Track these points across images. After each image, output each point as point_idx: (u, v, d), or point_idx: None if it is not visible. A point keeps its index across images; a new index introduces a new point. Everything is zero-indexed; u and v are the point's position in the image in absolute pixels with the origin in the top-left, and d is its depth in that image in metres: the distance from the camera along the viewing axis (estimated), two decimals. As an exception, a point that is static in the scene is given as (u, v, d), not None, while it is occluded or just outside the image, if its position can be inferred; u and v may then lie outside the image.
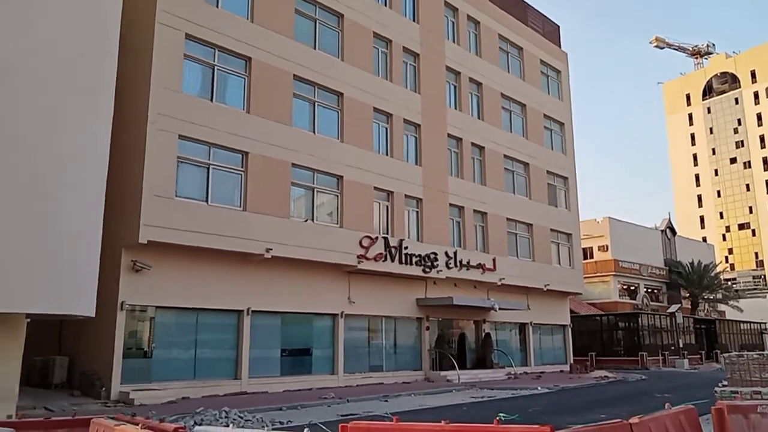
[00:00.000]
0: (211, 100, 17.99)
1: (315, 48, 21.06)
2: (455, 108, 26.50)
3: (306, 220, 19.86)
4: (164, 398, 15.49)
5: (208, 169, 17.63)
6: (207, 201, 17.39)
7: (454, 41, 27.16)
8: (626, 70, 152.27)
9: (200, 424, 10.87)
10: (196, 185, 17.33)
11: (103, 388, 15.51)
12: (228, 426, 10.73)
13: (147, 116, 16.26)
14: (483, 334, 26.46)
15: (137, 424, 5.87)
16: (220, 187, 17.81)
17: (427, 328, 23.93)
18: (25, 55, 12.43)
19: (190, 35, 17.49)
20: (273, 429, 10.46)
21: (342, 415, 13.39)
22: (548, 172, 30.94)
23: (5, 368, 12.37)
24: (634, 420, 5.60)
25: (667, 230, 50.66)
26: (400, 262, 22.13)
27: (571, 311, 33.49)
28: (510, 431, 4.57)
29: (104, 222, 13.32)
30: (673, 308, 40.93)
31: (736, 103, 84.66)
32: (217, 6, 18.50)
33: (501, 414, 8.25)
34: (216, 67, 18.26)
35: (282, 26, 19.89)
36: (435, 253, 23.45)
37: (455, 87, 26.84)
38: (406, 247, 22.40)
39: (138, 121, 16.41)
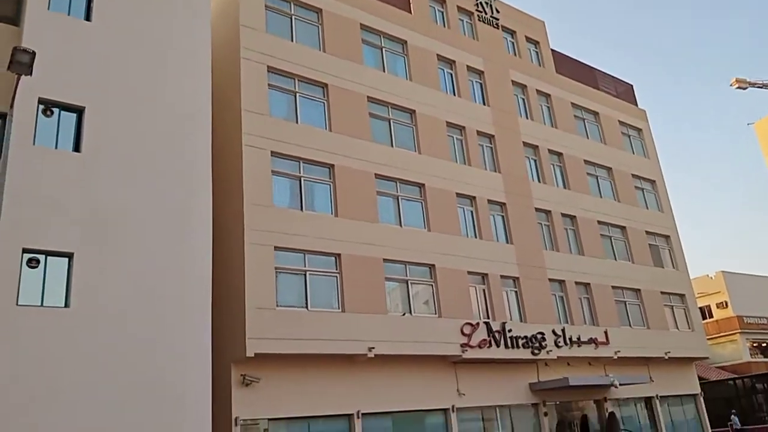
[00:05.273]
0: (301, 209, 18.70)
1: (392, 146, 21.71)
2: (539, 181, 26.20)
3: (404, 314, 19.73)
4: None
5: (305, 275, 18.07)
6: (307, 307, 17.70)
7: (527, 117, 27.28)
8: (711, 117, 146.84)
9: None
10: (295, 293, 17.74)
11: None
12: None
13: (243, 234, 17.06)
14: (607, 414, 24.65)
15: None
16: (318, 292, 18.14)
17: (545, 414, 22.59)
18: (133, 202, 13.57)
19: (275, 152, 18.52)
20: None
21: None
22: (647, 232, 29.58)
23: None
24: None
25: (792, 276, 46.54)
26: (506, 346, 21.36)
27: (701, 378, 30.79)
28: None
29: (212, 340, 13.81)
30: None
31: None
32: (297, 122, 19.59)
33: None
34: (302, 178, 19.09)
35: (359, 131, 20.72)
36: (542, 333, 22.51)
37: (535, 161, 26.68)
38: (509, 330, 21.66)
39: (235, 239, 17.23)
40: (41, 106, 13.42)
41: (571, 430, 23.50)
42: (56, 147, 13.40)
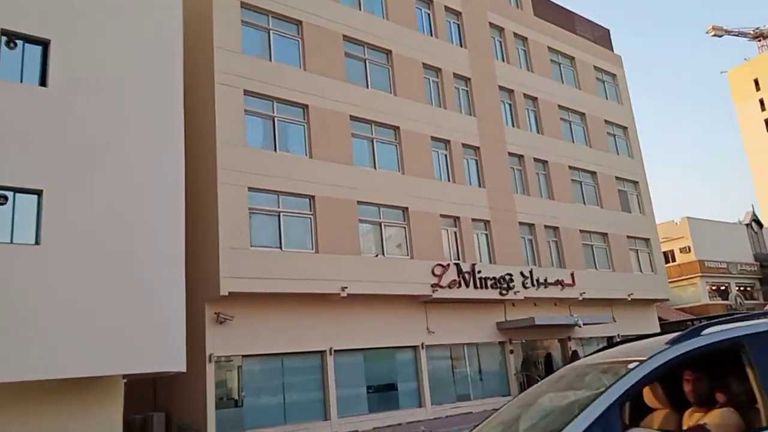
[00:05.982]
0: (275, 150, 18.58)
1: (368, 87, 21.48)
2: (513, 125, 26.29)
3: (377, 255, 20.03)
4: (259, 445, 15.77)
5: (279, 216, 18.14)
6: (281, 247, 17.85)
7: (503, 60, 27.11)
8: (686, 66, 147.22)
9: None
10: (269, 233, 17.85)
11: (201, 440, 15.97)
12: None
13: (216, 173, 16.96)
14: (570, 352, 25.68)
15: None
16: (292, 233, 18.27)
17: (511, 352, 23.46)
18: (102, 138, 13.33)
19: (248, 90, 18.22)
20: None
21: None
22: (617, 178, 30.10)
23: (108, 429, 12.98)
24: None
25: (753, 223, 47.98)
26: (475, 286, 21.91)
27: (661, 319, 32.07)
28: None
29: (186, 279, 13.91)
30: (771, 305, 38.56)
31: (811, 80, 79.76)
32: (271, 60, 19.22)
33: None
34: (276, 118, 18.88)
35: (334, 71, 20.43)
36: (510, 274, 23.09)
37: (510, 105, 26.68)
38: (479, 271, 22.17)
39: (208, 179, 17.13)
40: (4, 38, 12.92)
41: (535, 367, 24.48)
42: (21, 81, 13.00)
